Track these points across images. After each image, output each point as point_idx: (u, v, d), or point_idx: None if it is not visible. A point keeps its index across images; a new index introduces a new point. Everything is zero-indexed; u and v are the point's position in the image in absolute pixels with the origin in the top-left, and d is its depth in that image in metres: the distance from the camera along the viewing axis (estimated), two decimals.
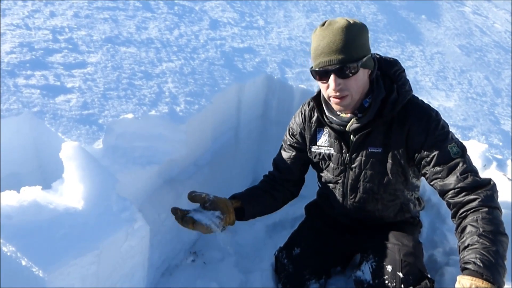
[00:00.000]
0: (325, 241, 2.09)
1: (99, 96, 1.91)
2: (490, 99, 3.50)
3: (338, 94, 1.64)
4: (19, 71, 1.89)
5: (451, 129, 2.68)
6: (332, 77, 1.61)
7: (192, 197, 1.86)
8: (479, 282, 1.35)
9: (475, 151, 2.40)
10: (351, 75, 1.60)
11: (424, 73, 3.58)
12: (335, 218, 2.11)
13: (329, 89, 1.65)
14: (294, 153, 2.04)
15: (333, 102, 1.70)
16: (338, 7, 4.41)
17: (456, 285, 1.42)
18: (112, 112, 1.85)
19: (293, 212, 2.74)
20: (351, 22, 1.60)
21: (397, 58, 1.82)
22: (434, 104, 3.13)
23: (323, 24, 1.62)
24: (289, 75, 2.72)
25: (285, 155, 2.06)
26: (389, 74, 1.75)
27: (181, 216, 1.80)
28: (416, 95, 3.11)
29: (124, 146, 1.78)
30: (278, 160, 2.09)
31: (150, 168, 1.84)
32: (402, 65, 3.39)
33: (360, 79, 1.65)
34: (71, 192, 1.42)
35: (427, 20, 5.00)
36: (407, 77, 1.80)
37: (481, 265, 1.39)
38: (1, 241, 1.21)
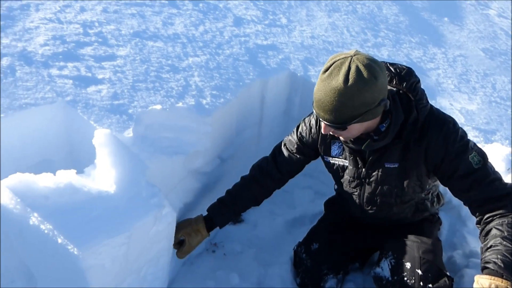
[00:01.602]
0: (343, 238, 2.11)
1: (128, 87, 1.97)
2: None
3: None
4: (53, 62, 1.96)
5: (474, 132, 2.67)
6: (322, 124, 1.63)
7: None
8: (498, 281, 1.35)
9: (499, 154, 2.38)
10: (338, 130, 1.60)
11: (446, 76, 3.56)
12: (353, 215, 2.12)
13: None
14: (300, 157, 2.03)
15: None
16: (360, 8, 4.41)
17: (474, 285, 1.42)
18: (141, 103, 1.91)
19: (313, 208, 2.77)
20: (350, 83, 1.46)
21: (411, 67, 1.72)
22: (456, 107, 3.11)
23: (326, 70, 1.52)
24: (311, 73, 2.75)
25: (287, 155, 2.04)
26: (404, 89, 1.68)
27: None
28: (438, 97, 3.11)
29: (152, 136, 1.83)
30: (281, 161, 2.06)
31: (176, 158, 1.88)
32: (424, 66, 3.37)
33: (354, 129, 1.60)
34: (103, 177, 1.48)
35: (450, 22, 4.96)
36: (422, 87, 1.73)
37: (502, 265, 1.39)
38: (39, 219, 1.27)
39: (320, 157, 2.03)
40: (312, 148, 1.99)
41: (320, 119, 1.59)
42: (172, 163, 1.90)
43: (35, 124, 1.70)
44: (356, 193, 1.92)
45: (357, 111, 1.51)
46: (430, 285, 1.73)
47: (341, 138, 1.72)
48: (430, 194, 1.95)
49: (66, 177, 1.40)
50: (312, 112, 2.00)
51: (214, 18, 3.08)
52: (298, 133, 2.01)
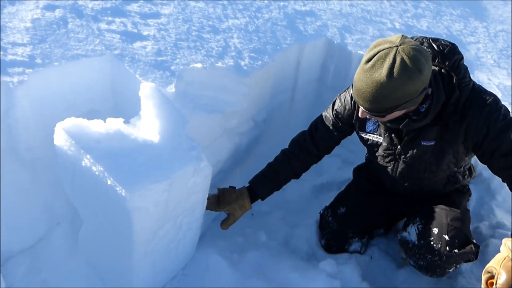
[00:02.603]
0: (370, 203, 2.15)
1: (171, 45, 2.04)
2: None
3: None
4: (102, 17, 2.04)
5: (510, 108, 2.62)
6: (361, 108, 1.62)
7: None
8: None
9: None
10: (376, 117, 1.60)
11: (486, 50, 3.48)
12: (384, 185, 2.14)
13: None
14: (335, 134, 2.05)
15: None
16: None
17: (501, 247, 1.45)
18: (183, 60, 1.97)
19: (340, 176, 2.81)
20: (394, 76, 1.43)
21: (454, 43, 1.68)
22: (494, 82, 3.05)
23: (369, 60, 1.49)
24: (348, 41, 2.74)
25: (326, 133, 2.06)
26: (447, 67, 1.65)
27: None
28: (476, 71, 3.05)
29: (192, 93, 1.90)
30: (319, 138, 2.08)
31: (214, 116, 1.96)
32: (464, 40, 3.29)
33: (392, 115, 1.60)
34: (148, 127, 1.56)
35: None
36: (465, 63, 1.69)
37: None
38: (91, 161, 1.37)
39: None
40: (348, 124, 1.99)
41: (359, 105, 1.59)
42: (210, 121, 1.97)
43: (84, 75, 1.79)
44: (389, 167, 1.93)
45: (398, 102, 1.50)
46: (456, 251, 1.78)
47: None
48: (462, 168, 1.95)
49: (115, 124, 1.49)
50: (347, 88, 2.01)
51: None
52: (334, 110, 2.01)
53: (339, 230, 2.16)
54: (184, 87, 1.88)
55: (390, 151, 1.87)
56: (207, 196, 1.85)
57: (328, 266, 2.04)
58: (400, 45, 1.44)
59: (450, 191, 2.02)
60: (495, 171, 1.70)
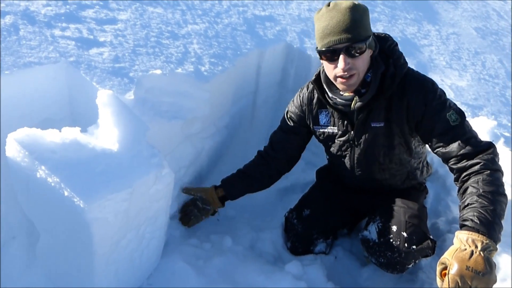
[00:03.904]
0: (334, 203, 2.20)
1: (129, 51, 2.00)
2: (502, 82, 3.54)
3: (346, 73, 1.66)
4: (55, 23, 1.98)
5: (462, 107, 2.76)
6: (341, 56, 1.63)
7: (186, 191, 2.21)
8: (475, 235, 1.43)
9: (484, 126, 2.47)
10: (358, 54, 1.63)
11: (438, 52, 3.63)
12: (344, 182, 2.19)
13: (337, 69, 1.67)
14: (291, 136, 2.11)
15: (339, 82, 1.71)
16: None
17: (454, 240, 1.50)
18: (142, 67, 1.95)
19: (304, 177, 2.85)
20: (356, 3, 1.62)
21: (389, 34, 1.84)
22: (446, 83, 3.19)
23: (329, 5, 1.64)
24: (307, 45, 2.79)
25: (282, 137, 2.13)
26: (384, 49, 1.77)
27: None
28: (429, 73, 3.19)
29: (152, 100, 1.88)
30: (275, 141, 2.16)
31: (175, 122, 1.94)
32: (418, 43, 3.45)
33: (366, 58, 1.68)
34: (106, 136, 1.52)
35: (445, 0, 5.00)
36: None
37: (478, 222, 1.46)
38: (47, 172, 1.32)
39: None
40: (303, 124, 2.05)
41: (338, 47, 1.62)
42: (171, 127, 1.95)
43: (38, 83, 1.73)
44: (347, 156, 1.99)
45: (367, 30, 1.65)
46: (414, 247, 1.84)
47: (342, 86, 1.74)
48: (420, 163, 2.04)
49: (71, 133, 1.44)
50: (298, 91, 2.08)
51: None
52: (288, 114, 2.09)
53: (304, 232, 2.19)
54: (143, 94, 1.85)
55: (345, 138, 1.94)
56: (169, 204, 1.83)
57: (294, 268, 2.06)
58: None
59: (407, 187, 2.09)
60: (433, 150, 1.77)
